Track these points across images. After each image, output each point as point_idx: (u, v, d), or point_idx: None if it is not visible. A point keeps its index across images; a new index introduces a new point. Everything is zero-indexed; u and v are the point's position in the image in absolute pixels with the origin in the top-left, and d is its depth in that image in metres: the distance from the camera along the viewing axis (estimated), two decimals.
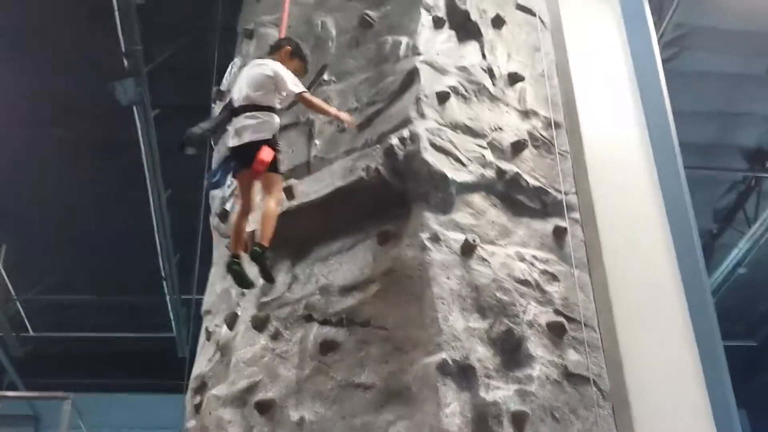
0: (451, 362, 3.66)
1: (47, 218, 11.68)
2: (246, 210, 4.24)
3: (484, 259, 4.10)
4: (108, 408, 13.95)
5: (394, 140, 4.23)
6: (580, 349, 4.15)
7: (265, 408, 3.95)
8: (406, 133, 4.24)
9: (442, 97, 4.46)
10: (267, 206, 4.07)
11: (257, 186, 4.29)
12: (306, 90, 4.30)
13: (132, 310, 13.87)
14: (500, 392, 3.68)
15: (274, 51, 4.54)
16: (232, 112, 4.23)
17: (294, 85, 4.21)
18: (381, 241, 4.14)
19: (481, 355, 3.80)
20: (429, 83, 4.47)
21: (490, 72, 4.82)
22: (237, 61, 5.67)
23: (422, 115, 4.32)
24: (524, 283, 4.19)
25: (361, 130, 4.49)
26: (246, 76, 4.34)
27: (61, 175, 11.07)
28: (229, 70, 5.76)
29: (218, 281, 5.00)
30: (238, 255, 4.10)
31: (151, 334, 13.42)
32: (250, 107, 4.15)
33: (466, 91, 4.63)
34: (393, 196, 4.19)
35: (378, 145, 4.31)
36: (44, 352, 13.83)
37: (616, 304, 4.33)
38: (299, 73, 4.48)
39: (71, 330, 13.95)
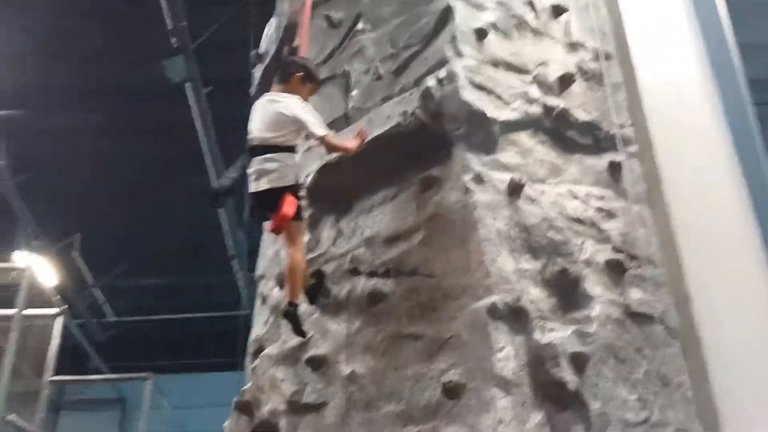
0: (501, 305, 3.49)
1: (115, 205, 11.97)
2: (294, 249, 3.91)
3: (532, 199, 3.90)
4: (190, 387, 14.29)
5: (431, 81, 4.04)
6: (643, 286, 3.92)
7: (316, 364, 3.88)
8: (442, 73, 4.05)
9: (480, 34, 4.25)
10: (291, 259, 3.82)
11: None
12: (328, 132, 3.93)
13: (204, 291, 14.14)
14: (556, 334, 3.50)
15: (285, 80, 4.14)
16: (250, 151, 3.96)
17: (317, 126, 3.86)
18: (423, 188, 3.98)
19: (534, 296, 3.61)
20: (465, 20, 4.26)
21: (531, 5, 4.57)
22: (273, 21, 5.57)
23: (459, 54, 4.12)
24: (579, 221, 3.97)
25: (398, 76, 4.33)
26: (260, 112, 4.00)
27: (124, 160, 11.30)
28: (265, 32, 5.66)
29: (270, 245, 4.94)
30: (295, 304, 3.82)
31: (224, 312, 13.64)
32: (269, 148, 3.86)
33: (506, 26, 4.40)
34: (433, 140, 4.01)
35: (415, 89, 4.13)
36: (124, 336, 14.25)
37: (680, 238, 4.06)
38: (309, 95, 4.17)
39: (148, 313, 14.32)
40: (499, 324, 3.46)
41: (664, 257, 4.06)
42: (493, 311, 3.47)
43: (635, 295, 3.87)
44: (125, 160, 11.28)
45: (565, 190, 4.08)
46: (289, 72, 4.15)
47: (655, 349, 3.75)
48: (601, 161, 4.29)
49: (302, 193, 3.94)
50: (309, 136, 3.91)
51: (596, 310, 3.69)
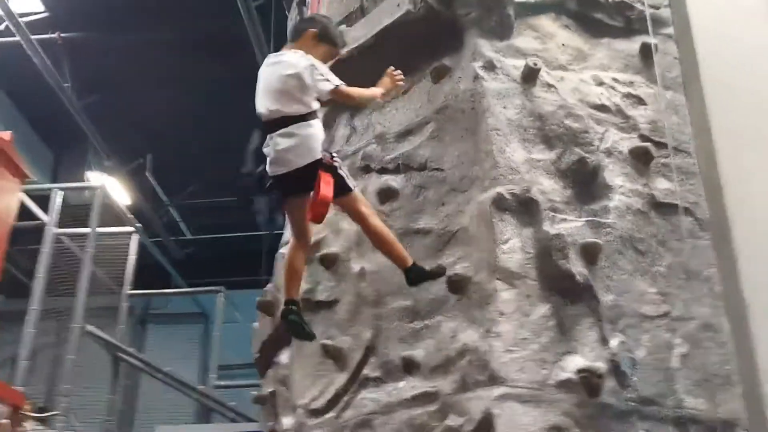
0: (508, 196, 3.34)
1: (185, 124, 12.17)
2: (302, 244, 3.34)
3: (550, 86, 3.67)
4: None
5: None
6: (670, 176, 3.66)
7: (329, 262, 3.85)
8: None
9: None
10: (374, 231, 3.24)
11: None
12: (340, 83, 3.30)
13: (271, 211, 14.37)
14: (567, 225, 3.33)
15: (296, 37, 3.53)
16: (264, 129, 3.34)
17: (324, 79, 3.26)
18: (435, 78, 3.80)
19: (546, 187, 3.43)
20: None
21: None
22: None
23: None
24: (601, 108, 3.72)
25: None
26: (264, 80, 3.36)
27: (192, 78, 11.41)
28: None
29: None
30: (294, 301, 3.22)
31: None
32: (281, 121, 3.23)
33: None
34: (444, 27, 3.81)
35: None
36: (201, 253, 14.73)
37: (715, 126, 3.75)
38: (327, 58, 3.54)
39: (223, 231, 14.70)
40: (505, 216, 3.32)
41: (697, 146, 3.77)
42: (498, 202, 3.32)
43: (661, 185, 3.63)
44: (194, 78, 11.38)
45: (589, 76, 3.82)
46: (302, 28, 3.54)
47: (681, 242, 3.52)
48: (632, 44, 3.99)
49: (337, 160, 3.29)
50: (320, 95, 3.27)
51: (615, 200, 3.49)
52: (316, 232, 3.97)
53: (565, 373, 3.03)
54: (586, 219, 3.39)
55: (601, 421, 2.99)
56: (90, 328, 9.61)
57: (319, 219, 3.19)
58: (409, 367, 3.30)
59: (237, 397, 10.73)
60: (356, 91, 3.35)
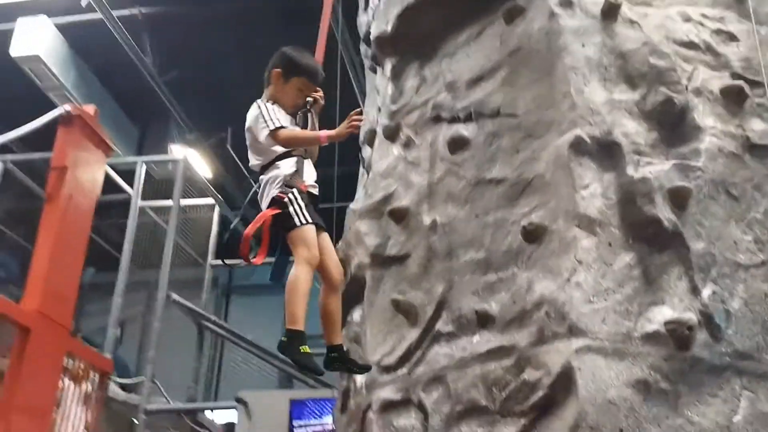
0: (588, 139, 3.13)
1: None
2: (329, 285, 3.31)
3: (632, 22, 3.41)
4: None
5: None
6: (767, 116, 3.36)
7: (399, 216, 3.72)
8: None
9: None
10: (289, 278, 3.09)
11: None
12: (277, 126, 3.13)
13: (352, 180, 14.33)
14: (653, 168, 3.09)
15: (266, 83, 3.40)
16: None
17: (264, 126, 3.13)
18: (507, 20, 3.60)
19: (630, 129, 3.20)
20: None
21: None
22: None
23: None
24: (689, 45, 3.44)
25: None
26: None
27: (266, 50, 11.45)
28: None
29: (370, 110, 4.77)
30: (336, 347, 3.23)
31: None
32: (260, 172, 3.28)
33: None
34: None
35: None
36: None
37: None
38: (301, 96, 3.35)
39: None
40: (584, 160, 3.11)
41: None
42: (577, 146, 3.11)
43: (758, 126, 3.34)
44: (274, 50, 11.40)
45: (675, 12, 3.54)
46: (268, 70, 3.37)
47: None
48: None
49: (292, 195, 3.09)
50: (265, 142, 3.17)
51: (706, 142, 3.22)
52: (385, 185, 3.86)
53: (651, 324, 2.82)
54: (674, 162, 3.14)
55: (692, 376, 2.77)
56: (175, 296, 9.81)
57: (243, 253, 3.11)
58: (483, 320, 3.15)
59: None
60: (295, 134, 3.22)
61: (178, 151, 11.81)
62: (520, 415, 2.83)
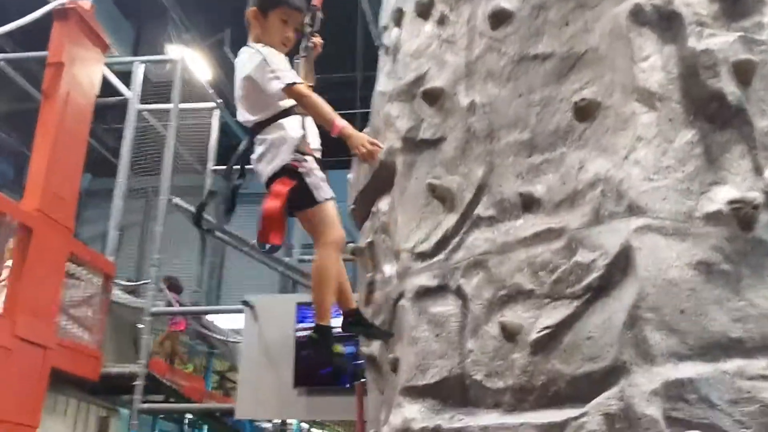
0: (648, 8, 2.88)
1: None
2: (324, 248, 3.09)
3: None
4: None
5: None
6: None
7: (432, 97, 3.50)
8: None
9: None
10: (316, 264, 2.86)
11: None
12: (295, 81, 2.82)
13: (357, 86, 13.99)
14: (717, 40, 2.85)
15: (247, 25, 3.14)
16: (249, 138, 3.09)
17: (274, 77, 2.80)
18: None
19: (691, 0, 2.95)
20: None
21: None
22: None
23: None
24: None
25: None
26: (234, 84, 3.11)
27: None
28: None
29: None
30: (353, 311, 3.12)
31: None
32: (255, 127, 2.97)
33: None
34: None
35: None
36: None
37: None
38: (288, 28, 3.06)
39: None
40: (644, 30, 2.87)
41: None
42: (636, 15, 2.87)
43: None
44: None
45: None
46: (246, 13, 3.09)
47: None
48: None
49: (305, 165, 2.85)
50: (273, 96, 2.86)
51: None
52: (417, 66, 3.62)
53: (713, 204, 2.65)
54: (738, 35, 2.90)
55: (754, 258, 2.62)
56: (176, 200, 9.63)
57: (263, 238, 2.76)
58: (528, 203, 2.98)
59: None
60: (314, 99, 2.86)
61: (175, 51, 11.42)
62: (571, 298, 2.69)
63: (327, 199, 2.83)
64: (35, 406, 7.59)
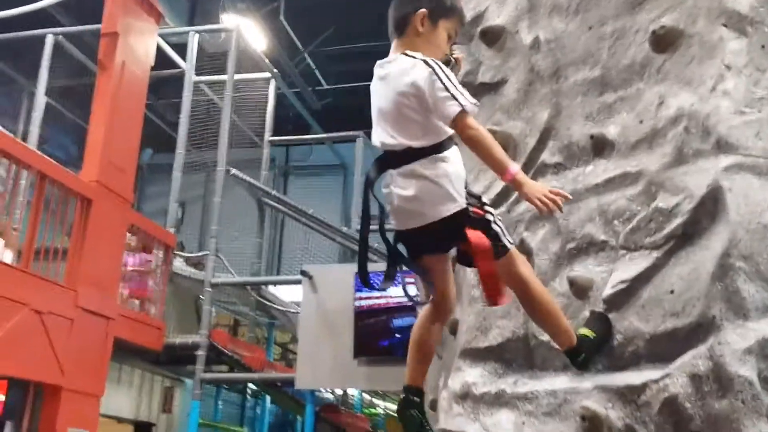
0: None
1: None
2: (440, 312, 2.52)
3: None
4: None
5: None
6: None
7: (492, 37, 3.22)
8: None
9: None
10: (535, 296, 2.38)
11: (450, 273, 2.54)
12: (470, 105, 2.32)
13: None
14: None
15: (401, 29, 2.49)
16: (379, 165, 2.45)
17: (449, 96, 2.27)
18: None
19: None
20: None
21: None
22: None
23: None
24: None
25: None
26: (375, 100, 2.50)
27: None
28: None
29: None
30: (417, 389, 2.46)
31: None
32: (403, 155, 2.35)
33: None
34: None
35: None
36: (340, 104, 14.38)
37: None
38: (451, 42, 2.56)
39: (361, 80, 14.24)
40: None
41: None
42: None
43: None
44: None
45: None
46: (403, 13, 2.48)
47: None
48: None
49: (489, 209, 2.39)
50: (441, 119, 2.32)
51: None
52: (474, 4, 3.34)
53: None
54: None
55: None
56: (234, 171, 9.56)
57: (497, 301, 2.33)
58: (600, 147, 2.69)
59: (378, 240, 10.58)
60: (488, 136, 2.32)
61: (230, 20, 11.29)
62: (651, 248, 2.40)
63: (513, 244, 2.43)
64: (99, 375, 7.64)
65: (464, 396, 2.86)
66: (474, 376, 2.88)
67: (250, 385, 10.60)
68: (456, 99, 2.28)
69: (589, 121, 2.79)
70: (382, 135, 2.42)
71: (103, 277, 7.74)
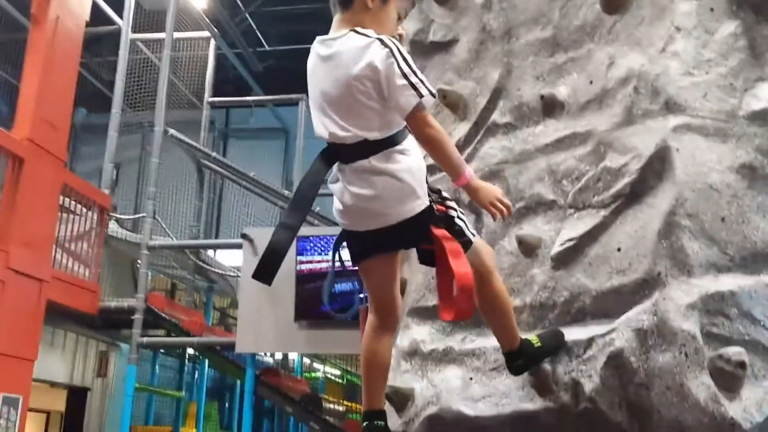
0: None
1: None
2: (386, 324, 2.30)
3: None
4: None
5: None
6: None
7: None
8: None
9: None
10: (485, 294, 2.26)
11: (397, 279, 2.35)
12: (432, 93, 2.10)
13: None
14: None
15: (347, 2, 2.22)
16: (327, 160, 2.22)
17: (408, 84, 2.04)
18: None
19: None
20: None
21: None
22: None
23: None
24: None
25: None
26: (316, 84, 2.23)
27: None
28: None
29: None
30: (379, 412, 2.28)
31: None
32: (355, 149, 2.13)
33: None
34: None
35: None
36: (282, 66, 14.15)
37: None
38: (399, 24, 2.35)
39: (304, 42, 14.03)
40: None
41: None
42: None
43: None
44: None
45: None
46: None
47: None
48: None
49: (450, 204, 2.27)
50: (395, 106, 2.09)
51: None
52: None
53: (759, 102, 2.38)
54: None
55: None
56: (172, 131, 9.33)
57: (465, 314, 2.15)
58: (550, 107, 2.70)
59: (319, 204, 10.53)
60: (444, 135, 2.15)
61: None
62: (599, 207, 2.44)
63: (476, 235, 2.30)
64: (32, 339, 7.44)
65: (412, 353, 2.88)
66: (422, 334, 2.89)
67: (189, 349, 10.48)
68: (415, 88, 2.04)
69: (539, 81, 2.80)
70: (329, 125, 2.14)
71: (35, 238, 7.50)
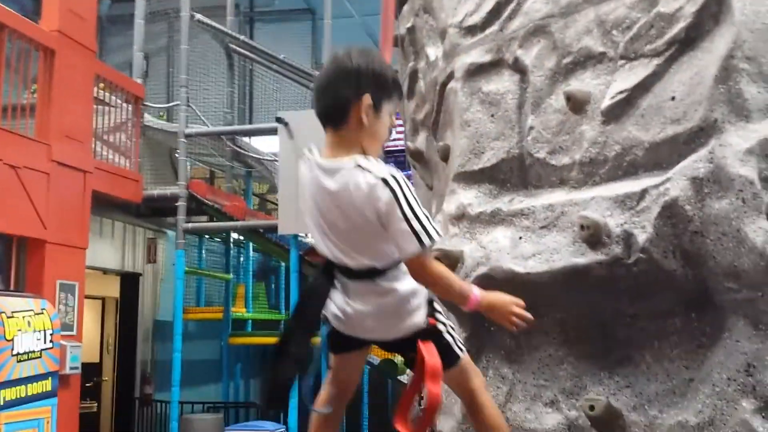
0: None
1: None
2: (336, 411, 2.37)
3: None
4: None
5: None
6: None
7: None
8: None
9: None
10: (481, 409, 2.24)
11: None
12: (437, 236, 2.02)
13: None
14: None
15: (338, 118, 2.08)
16: (328, 274, 2.20)
17: (409, 230, 1.98)
18: None
19: None
20: None
21: None
22: None
23: None
24: None
25: None
26: (316, 203, 2.14)
27: None
28: None
29: None
30: None
31: None
32: (360, 272, 2.13)
33: None
34: None
35: None
36: None
37: None
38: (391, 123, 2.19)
39: None
40: None
41: None
42: None
43: None
44: None
45: None
46: (342, 100, 2.07)
47: None
48: None
49: (441, 319, 2.24)
50: (396, 248, 2.05)
51: None
52: None
53: None
54: None
55: None
56: (199, 16, 9.17)
57: (434, 409, 2.14)
58: None
59: None
60: (448, 274, 2.11)
61: None
62: (651, 56, 2.36)
63: (465, 349, 2.30)
64: (82, 228, 7.66)
65: (459, 217, 2.89)
66: (469, 197, 2.89)
67: (233, 234, 10.71)
68: (417, 235, 1.98)
69: None
70: (335, 251, 2.13)
71: (75, 130, 7.58)
